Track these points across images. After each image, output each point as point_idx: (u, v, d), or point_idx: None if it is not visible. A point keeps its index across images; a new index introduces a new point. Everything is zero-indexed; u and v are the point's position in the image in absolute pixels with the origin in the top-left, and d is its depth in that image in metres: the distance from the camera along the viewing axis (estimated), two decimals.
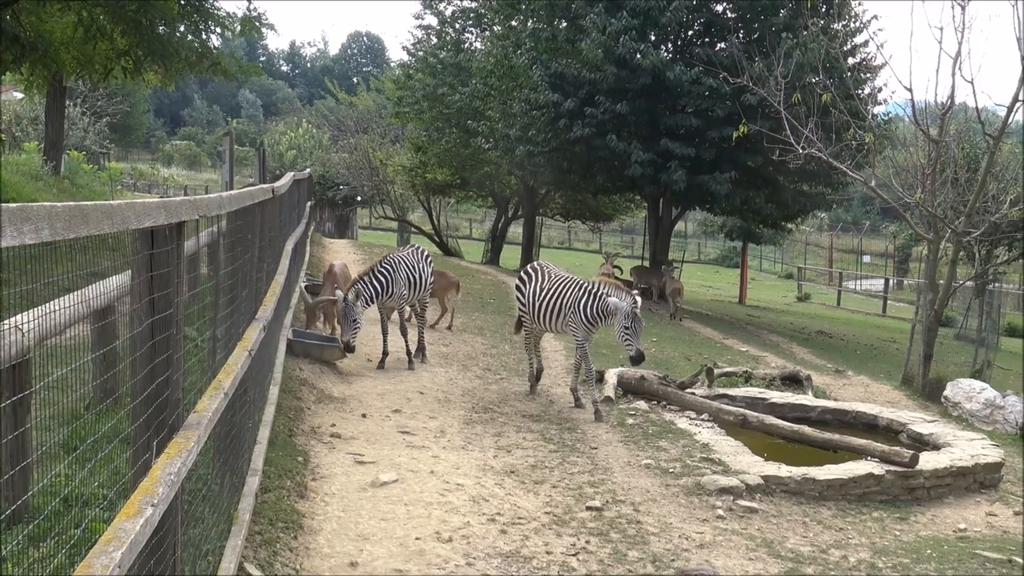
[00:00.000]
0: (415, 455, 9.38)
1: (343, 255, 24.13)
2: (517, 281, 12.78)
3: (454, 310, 17.22)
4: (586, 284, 11.92)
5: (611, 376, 13.25)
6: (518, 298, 12.71)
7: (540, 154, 26.76)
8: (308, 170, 30.64)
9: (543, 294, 12.15)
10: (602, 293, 11.59)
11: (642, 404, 12.55)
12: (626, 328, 11.28)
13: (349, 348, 12.66)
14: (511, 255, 40.20)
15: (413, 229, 44.35)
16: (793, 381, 15.14)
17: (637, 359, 11.38)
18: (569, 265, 46.36)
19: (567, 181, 28.84)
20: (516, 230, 44.42)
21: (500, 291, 24.02)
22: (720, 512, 8.76)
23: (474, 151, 33.51)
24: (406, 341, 13.72)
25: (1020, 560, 8.17)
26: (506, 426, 10.99)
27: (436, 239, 40.75)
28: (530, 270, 12.71)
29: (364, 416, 10.74)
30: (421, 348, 14.17)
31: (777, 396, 13.56)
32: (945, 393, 15.54)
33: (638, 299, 11.47)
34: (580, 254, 59.18)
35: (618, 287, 11.76)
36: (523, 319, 12.76)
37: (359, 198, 47.26)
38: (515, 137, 27.14)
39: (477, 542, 7.28)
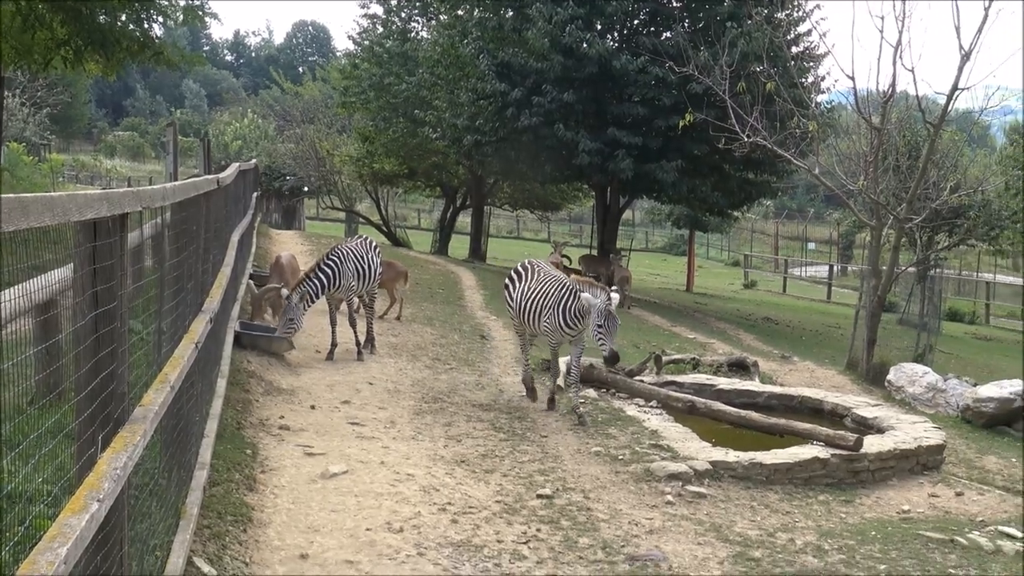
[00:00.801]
0: (365, 446, 9.36)
1: (290, 246, 23.98)
2: (506, 280, 12.19)
3: (403, 300, 17.18)
4: (568, 283, 11.29)
5: (560, 365, 13.27)
6: (506, 298, 12.16)
7: (488, 144, 26.75)
8: (254, 160, 30.39)
9: (529, 294, 11.61)
10: (577, 290, 11.08)
11: (591, 392, 12.60)
12: (599, 326, 10.69)
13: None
14: (460, 245, 40.17)
15: (361, 219, 44.16)
16: (740, 367, 15.29)
17: (612, 360, 10.82)
18: (517, 255, 46.49)
19: (515, 170, 28.84)
20: (465, 220, 44.41)
21: (449, 281, 24.00)
22: (669, 498, 8.84)
23: (422, 141, 33.40)
24: (355, 332, 13.66)
25: (962, 540, 8.34)
26: (456, 416, 10.99)
27: (384, 229, 40.61)
28: (520, 268, 12.06)
29: (313, 408, 10.68)
30: (370, 339, 14.11)
31: (724, 382, 13.69)
32: (888, 377, 15.78)
33: (614, 296, 10.92)
34: (528, 243, 59.30)
35: (592, 284, 11.23)
36: (512, 318, 12.30)
37: (306, 188, 46.94)
38: (463, 127, 27.08)
39: (428, 532, 7.28)
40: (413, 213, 64.95)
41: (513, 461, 9.43)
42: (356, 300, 14.21)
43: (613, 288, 11.38)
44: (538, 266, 11.93)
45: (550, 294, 11.31)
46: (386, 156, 36.21)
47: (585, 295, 10.82)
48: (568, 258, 25.72)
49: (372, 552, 6.79)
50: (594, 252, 30.28)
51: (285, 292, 12.81)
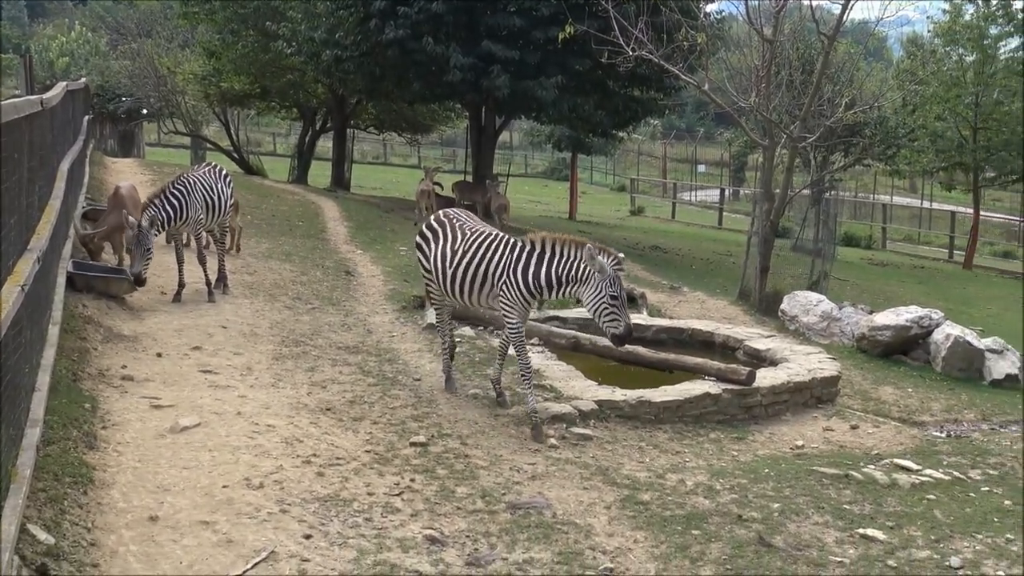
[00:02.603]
0: (219, 396, 9.26)
1: (129, 176, 23.31)
2: (418, 239, 10.26)
3: (241, 231, 16.85)
4: (524, 243, 9.44)
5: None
6: (421, 262, 10.24)
7: (349, 59, 26.30)
8: (84, 80, 29.31)
9: (459, 257, 9.70)
10: (561, 255, 9.20)
11: (468, 330, 12.67)
12: (613, 299, 8.94)
13: (140, 281, 12.27)
14: (320, 172, 39.65)
15: (208, 145, 43.15)
16: (628, 299, 15.51)
17: (626, 336, 9.11)
18: (385, 182, 46.19)
19: (380, 89, 28.46)
20: (326, 144, 43.77)
21: (309, 212, 23.72)
22: (553, 441, 8.99)
23: (275, 56, 32.64)
24: (205, 271, 13.41)
25: (857, 475, 8.70)
26: (320, 360, 10.94)
27: (235, 156, 39.76)
28: (435, 224, 10.16)
29: (160, 355, 10.50)
30: (222, 278, 13.89)
31: None
32: (782, 307, 16.25)
33: (620, 256, 9.25)
34: (397, 170, 58.93)
35: (577, 242, 9.29)
36: (430, 290, 10.43)
37: (145, 111, 45.56)
38: (320, 40, 26.57)
39: (292, 487, 7.27)
40: (268, 138, 63.74)
41: (384, 407, 9.45)
42: (205, 235, 13.93)
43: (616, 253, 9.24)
44: (458, 219, 10.12)
45: (496, 257, 9.50)
46: (235, 74, 35.31)
47: (599, 259, 8.90)
48: (440, 185, 25.64)
49: (230, 511, 6.76)
50: (469, 178, 30.21)
51: (133, 219, 12.44)
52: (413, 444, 8.44)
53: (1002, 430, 12.07)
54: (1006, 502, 8.40)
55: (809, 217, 24.73)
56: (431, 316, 12.80)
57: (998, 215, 49.25)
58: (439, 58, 24.32)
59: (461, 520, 7.03)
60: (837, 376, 11.90)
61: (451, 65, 24.04)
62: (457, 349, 11.59)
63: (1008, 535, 7.53)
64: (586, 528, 7.10)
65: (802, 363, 11.97)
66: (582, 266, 9.06)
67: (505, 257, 9.42)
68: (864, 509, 7.95)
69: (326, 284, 15.26)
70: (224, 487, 7.12)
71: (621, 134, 35.55)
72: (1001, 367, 14.35)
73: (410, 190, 27.31)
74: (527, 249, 9.37)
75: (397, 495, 7.34)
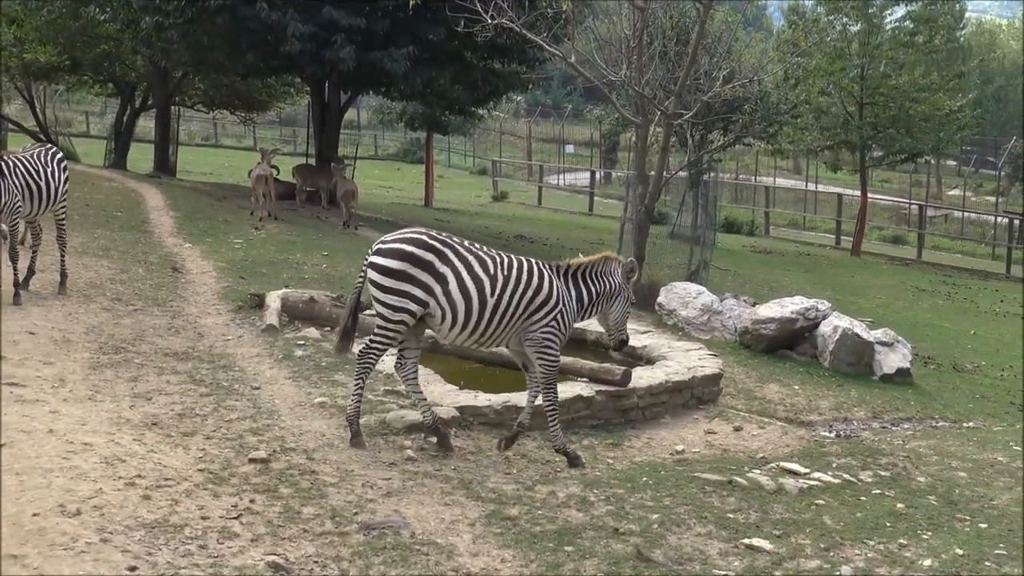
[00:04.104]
0: (27, 412, 9.00)
1: None
2: (402, 266, 8.87)
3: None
4: (562, 266, 9.48)
5: (273, 300, 13.19)
6: (411, 297, 8.91)
7: (173, 27, 25.79)
8: None
9: (500, 288, 9.09)
10: (597, 273, 9.48)
11: (313, 332, 12.58)
12: (627, 313, 9.79)
13: None
14: (141, 155, 38.81)
15: (11, 126, 41.89)
16: None
17: (626, 342, 9.89)
18: (216, 167, 45.50)
19: (209, 61, 28.01)
20: (147, 124, 42.90)
21: (129, 201, 23.23)
22: (410, 453, 8.99)
23: (87, 23, 31.92)
24: (15, 270, 12.98)
25: (741, 481, 8.91)
26: (145, 368, 10.74)
27: (42, 137, 38.68)
28: (428, 248, 9.03)
29: None
30: (30, 275, 13.52)
31: None
32: (659, 299, 16.53)
33: (633, 263, 9.88)
34: (230, 152, 58.12)
35: (606, 258, 9.65)
36: (397, 332, 9.10)
37: None
38: (139, 5, 26.01)
39: (113, 512, 7.11)
40: (80, 117, 62.17)
41: (218, 420, 9.32)
42: (23, 227, 13.52)
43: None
44: (455, 239, 9.31)
45: (548, 281, 9.27)
46: (40, 44, 34.32)
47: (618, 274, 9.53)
48: (277, 168, 25.39)
49: (42, 543, 6.58)
50: (311, 161, 30.00)
51: None
52: (252, 460, 8.35)
53: (893, 428, 12.53)
54: (898, 505, 8.70)
55: (687, 201, 25.18)
56: (271, 316, 12.69)
57: (887, 197, 51.04)
58: (275, 26, 24.04)
59: (308, 544, 6.98)
60: (719, 374, 12.17)
61: (289, 34, 23.76)
62: (301, 353, 11.49)
63: (901, 540, 7.80)
64: (448, 548, 7.11)
65: (681, 361, 12.20)
66: (616, 282, 9.50)
67: (555, 283, 9.30)
68: (749, 517, 8.14)
69: (150, 282, 14.97)
70: (35, 515, 6.93)
71: (481, 111, 35.70)
72: (892, 361, 14.85)
73: (245, 175, 26.92)
74: (569, 271, 9.45)
75: (235, 518, 7.24)
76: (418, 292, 8.87)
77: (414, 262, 8.88)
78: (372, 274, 8.96)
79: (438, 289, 8.91)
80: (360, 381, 9.09)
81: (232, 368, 11.06)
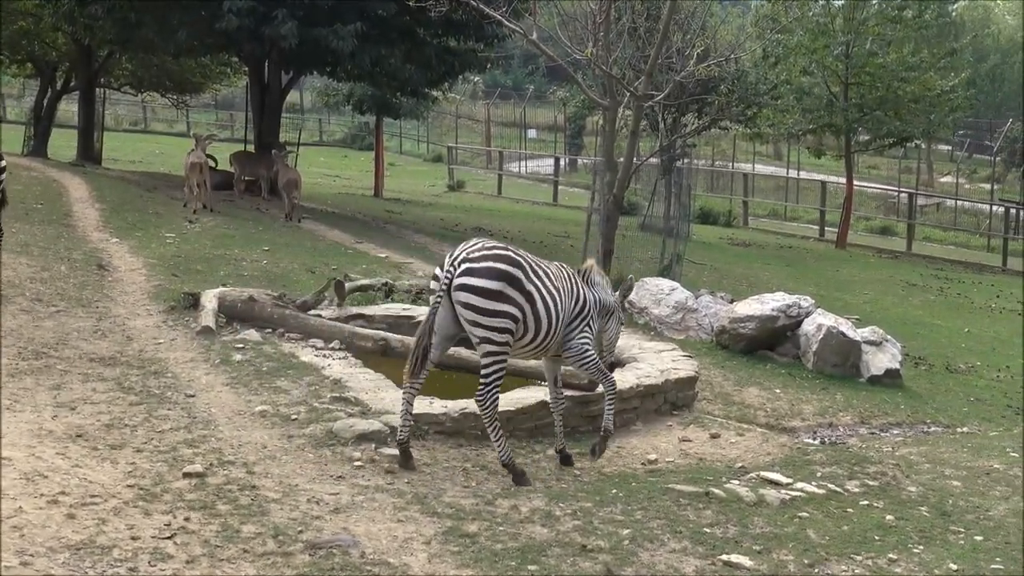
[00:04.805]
0: None
1: None
2: (496, 284, 8.97)
3: None
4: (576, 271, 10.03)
5: (209, 299, 13.13)
6: (503, 313, 9.04)
7: (97, 2, 25.67)
8: None
9: (560, 304, 9.50)
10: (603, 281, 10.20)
11: (253, 334, 12.53)
12: (619, 329, 10.46)
13: None
14: (64, 142, 38.58)
15: None
16: None
17: (616, 365, 10.61)
18: (145, 154, 45.24)
19: (137, 38, 27.87)
20: (70, 108, 42.60)
21: (50, 192, 23.09)
22: (359, 464, 8.97)
23: None
24: None
25: (719, 492, 8.94)
26: (68, 375, 10.67)
27: None
28: (513, 262, 9.20)
29: None
30: None
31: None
32: (629, 297, 16.54)
33: (632, 282, 10.93)
34: (162, 138, 57.85)
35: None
36: (501, 355, 9.23)
37: None
38: None
39: (34, 533, 7.06)
40: None
41: (149, 431, 9.27)
42: None
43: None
44: (520, 251, 9.51)
45: (581, 287, 9.85)
46: None
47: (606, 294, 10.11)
48: (214, 158, 25.28)
49: None
50: (251, 148, 29.89)
51: None
52: (187, 475, 8.30)
53: (882, 434, 12.61)
54: (888, 517, 8.76)
55: (659, 190, 25.26)
56: (207, 317, 12.63)
57: (874, 185, 51.34)
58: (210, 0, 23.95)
59: (249, 565, 6.96)
60: (694, 377, 12.21)
61: (225, 8, 23.69)
62: (240, 357, 11.45)
63: (891, 554, 7.85)
64: (402, 568, 7.11)
65: (653, 363, 12.24)
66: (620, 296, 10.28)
67: (583, 287, 9.82)
68: (727, 532, 8.17)
69: (73, 281, 14.87)
70: None
71: (435, 93, 35.60)
72: (880, 361, 14.95)
73: (178, 163, 26.82)
74: (585, 275, 9.96)
75: (168, 538, 7.21)
76: (516, 311, 9.11)
77: (509, 281, 9.06)
78: (468, 296, 8.99)
79: (527, 308, 9.19)
80: (498, 425, 9.23)
81: (164, 374, 11.00)
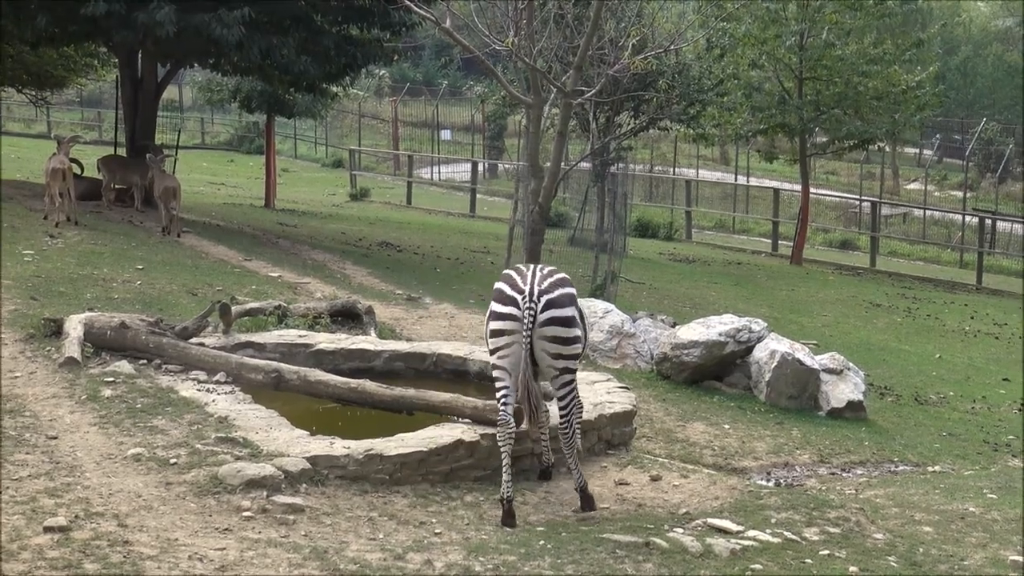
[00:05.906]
0: None
1: None
2: (573, 311, 9.97)
3: None
4: None
5: (74, 326, 12.97)
6: (578, 338, 10.09)
7: None
8: None
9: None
10: None
11: (125, 365, 12.40)
12: None
13: None
14: None
15: None
16: (349, 316, 15.58)
17: None
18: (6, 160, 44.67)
19: None
20: None
21: None
22: (249, 515, 8.90)
23: None
24: None
25: (660, 542, 8.97)
26: None
27: None
28: (573, 287, 10.23)
29: None
30: None
31: (325, 340, 13.88)
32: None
33: None
34: (19, 141, 57.07)
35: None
36: (576, 382, 10.28)
37: None
38: None
39: None
40: None
41: (4, 479, 9.16)
42: None
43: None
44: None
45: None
46: None
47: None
48: (79, 163, 25.04)
49: None
50: (122, 151, 29.62)
51: None
52: (48, 529, 8.20)
53: (844, 475, 12.73)
54: (851, 569, 8.83)
55: (591, 199, 25.37)
56: (71, 347, 12.48)
57: (833, 193, 51.83)
58: None
59: None
60: (632, 411, 12.25)
61: None
62: (110, 392, 11.34)
63: None
64: None
65: (585, 395, 12.25)
66: None
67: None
68: None
69: None
70: None
71: (335, 89, 35.51)
72: (841, 392, 15.09)
73: (37, 169, 26.53)
74: None
75: None
76: (583, 333, 10.24)
77: (576, 303, 10.08)
78: (556, 330, 9.76)
79: (582, 326, 10.22)
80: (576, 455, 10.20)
81: (22, 413, 10.87)
